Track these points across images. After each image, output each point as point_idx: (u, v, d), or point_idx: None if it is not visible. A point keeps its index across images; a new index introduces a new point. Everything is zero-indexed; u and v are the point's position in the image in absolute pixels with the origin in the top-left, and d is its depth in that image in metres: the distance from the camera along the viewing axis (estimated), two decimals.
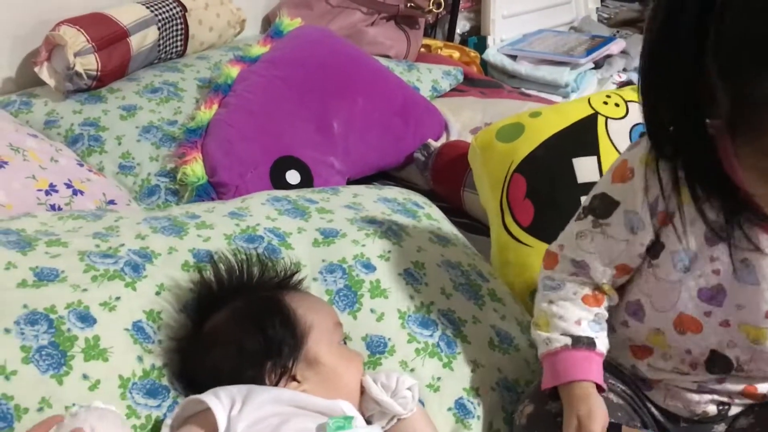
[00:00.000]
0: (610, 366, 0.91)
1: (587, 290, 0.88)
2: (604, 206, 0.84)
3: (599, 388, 0.85)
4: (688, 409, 0.89)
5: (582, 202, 0.92)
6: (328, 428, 0.73)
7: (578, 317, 0.87)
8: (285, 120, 1.41)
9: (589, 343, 0.86)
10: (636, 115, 1.25)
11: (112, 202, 1.24)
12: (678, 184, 0.77)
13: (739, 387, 0.87)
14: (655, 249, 0.83)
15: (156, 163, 1.36)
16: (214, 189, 1.29)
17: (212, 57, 1.67)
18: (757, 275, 0.78)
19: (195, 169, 1.30)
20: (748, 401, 0.88)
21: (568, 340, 0.86)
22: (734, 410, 0.89)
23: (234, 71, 1.48)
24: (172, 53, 1.65)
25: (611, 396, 0.88)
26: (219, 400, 0.72)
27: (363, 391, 0.81)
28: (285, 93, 1.45)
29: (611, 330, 0.90)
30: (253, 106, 1.41)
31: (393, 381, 0.79)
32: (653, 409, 0.91)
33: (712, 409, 0.88)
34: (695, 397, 0.88)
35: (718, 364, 0.85)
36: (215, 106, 1.40)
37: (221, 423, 0.71)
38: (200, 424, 0.73)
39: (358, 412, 0.79)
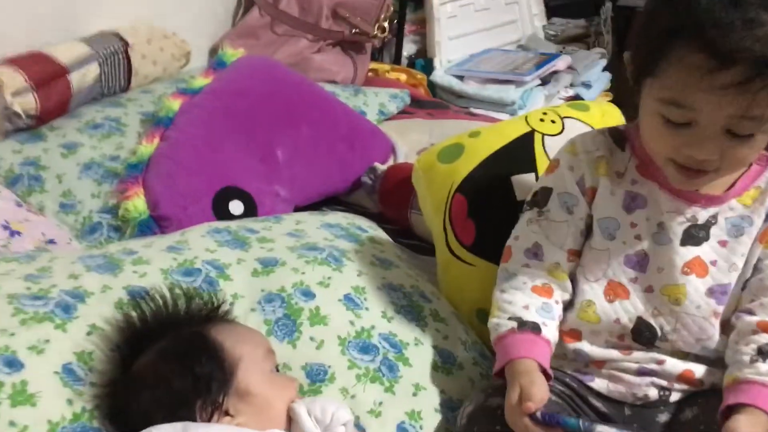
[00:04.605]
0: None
1: (537, 282, 0.94)
2: (543, 196, 0.97)
3: (546, 376, 0.87)
4: (630, 392, 0.92)
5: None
6: None
7: (526, 303, 0.92)
8: (227, 151, 1.41)
9: (535, 328, 0.90)
10: (571, 131, 1.27)
11: (51, 241, 1.22)
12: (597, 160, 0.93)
13: (677, 371, 0.91)
14: (589, 224, 0.95)
15: (98, 200, 1.34)
16: (156, 223, 1.28)
17: (157, 90, 1.66)
18: (669, 234, 0.90)
19: (136, 204, 1.28)
20: (687, 387, 0.92)
21: (515, 324, 0.90)
22: (675, 396, 0.92)
23: (176, 104, 1.48)
24: (115, 89, 1.64)
25: (550, 396, 0.89)
26: None
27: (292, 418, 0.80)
28: (227, 123, 1.45)
29: None
30: (194, 139, 1.40)
31: (328, 416, 0.78)
32: (595, 402, 0.94)
33: (653, 393, 0.92)
34: (636, 380, 0.92)
35: (644, 333, 0.92)
36: (156, 140, 1.40)
37: None
38: None
39: None
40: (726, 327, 0.92)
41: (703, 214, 0.90)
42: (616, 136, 0.96)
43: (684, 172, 0.84)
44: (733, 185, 0.90)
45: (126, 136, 1.48)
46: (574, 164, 0.95)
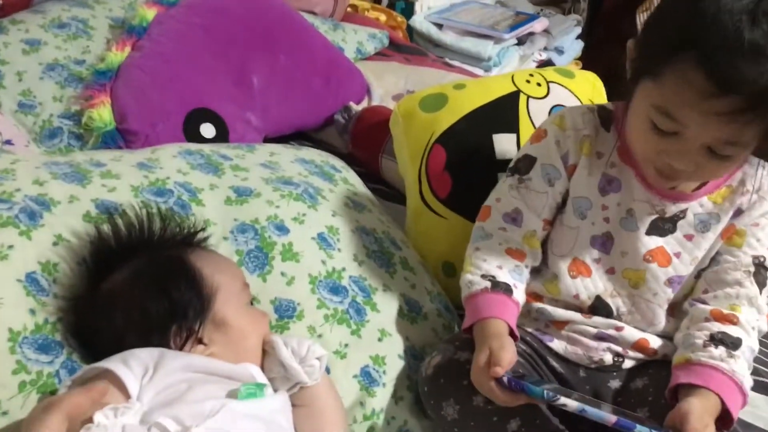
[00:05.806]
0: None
1: (512, 245, 0.96)
2: (525, 164, 0.98)
3: (513, 337, 0.89)
4: (587, 355, 0.96)
5: (499, 177, 1.02)
6: (240, 395, 0.72)
7: (500, 263, 0.94)
8: (202, 70, 1.35)
9: (507, 289, 0.92)
10: (556, 96, 1.27)
11: (8, 142, 1.16)
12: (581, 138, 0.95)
13: (634, 339, 0.95)
14: (565, 198, 0.97)
15: (59, 104, 1.27)
16: (122, 137, 1.23)
17: None
18: (636, 222, 0.93)
19: (102, 114, 1.22)
20: (640, 355, 0.96)
21: (488, 284, 0.91)
22: (628, 363, 0.96)
23: (150, 13, 1.40)
24: None
25: None
26: (130, 370, 0.68)
27: (266, 352, 0.79)
28: (204, 42, 1.38)
29: None
30: (168, 53, 1.34)
31: (304, 348, 0.78)
32: (553, 362, 0.97)
33: (608, 358, 0.96)
34: (593, 343, 0.96)
35: (600, 311, 0.96)
36: (128, 49, 1.33)
37: (134, 393, 0.67)
38: (110, 382, 0.68)
39: (264, 375, 0.78)
40: (673, 310, 0.96)
41: (671, 209, 0.92)
42: (603, 116, 0.96)
43: (659, 173, 0.86)
44: (705, 183, 0.92)
45: (93, 41, 1.40)
46: (561, 139, 0.96)
